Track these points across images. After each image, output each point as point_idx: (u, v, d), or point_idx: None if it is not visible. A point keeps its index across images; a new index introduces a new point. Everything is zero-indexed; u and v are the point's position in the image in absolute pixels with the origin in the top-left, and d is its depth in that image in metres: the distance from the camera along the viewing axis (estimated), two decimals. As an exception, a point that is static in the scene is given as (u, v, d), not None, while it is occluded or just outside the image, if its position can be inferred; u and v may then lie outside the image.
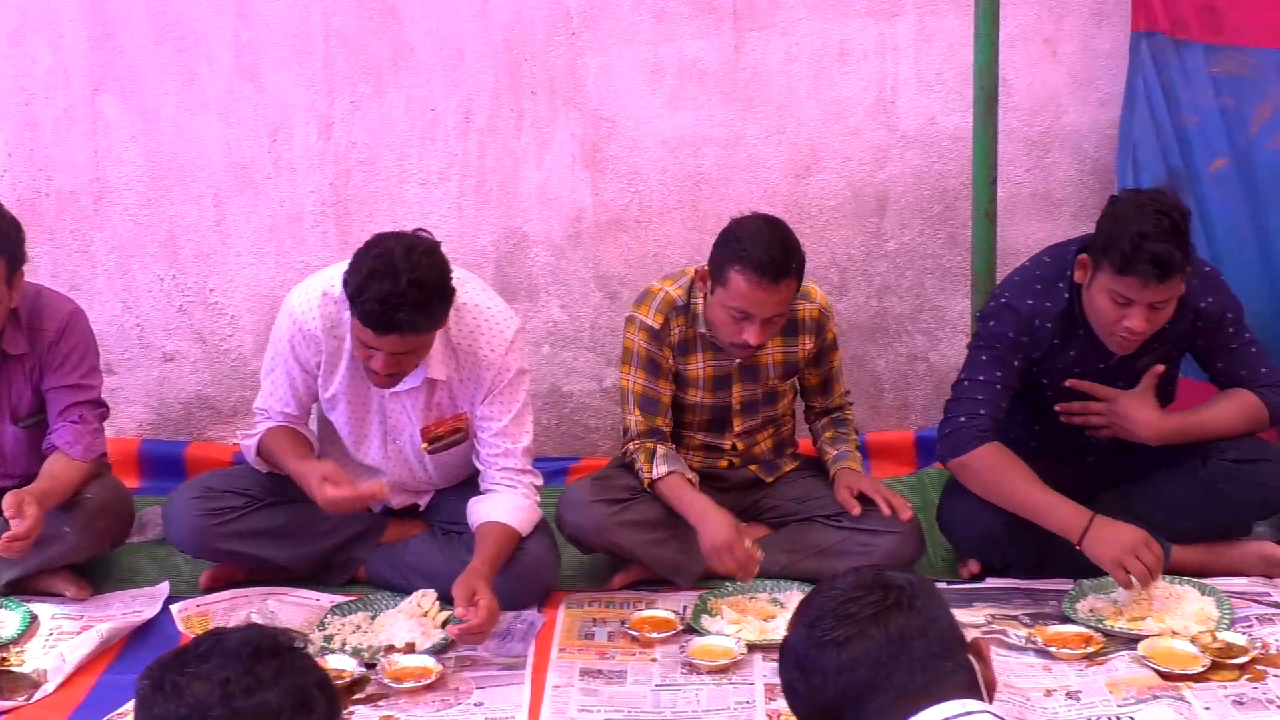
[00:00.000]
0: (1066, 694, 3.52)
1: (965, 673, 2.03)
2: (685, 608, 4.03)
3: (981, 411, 4.04)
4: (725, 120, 5.09)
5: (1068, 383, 4.13)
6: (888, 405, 5.35)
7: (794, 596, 3.99)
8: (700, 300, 4.19)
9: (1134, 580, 3.81)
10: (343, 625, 3.92)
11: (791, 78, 5.06)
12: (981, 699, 2.02)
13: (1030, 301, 4.08)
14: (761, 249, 3.92)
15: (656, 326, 4.20)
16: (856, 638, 2.01)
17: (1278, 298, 4.78)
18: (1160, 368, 4.09)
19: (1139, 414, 4.10)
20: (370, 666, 3.69)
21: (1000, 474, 4.01)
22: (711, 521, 4.02)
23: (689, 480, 4.18)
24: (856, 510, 4.17)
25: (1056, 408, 4.18)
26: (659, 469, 4.16)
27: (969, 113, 4.72)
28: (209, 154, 5.11)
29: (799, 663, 2.07)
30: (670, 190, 5.14)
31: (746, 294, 3.95)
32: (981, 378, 4.09)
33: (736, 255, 3.95)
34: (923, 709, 1.96)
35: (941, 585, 4.15)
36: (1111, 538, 3.85)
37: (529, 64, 5.04)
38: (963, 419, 4.06)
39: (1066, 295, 4.05)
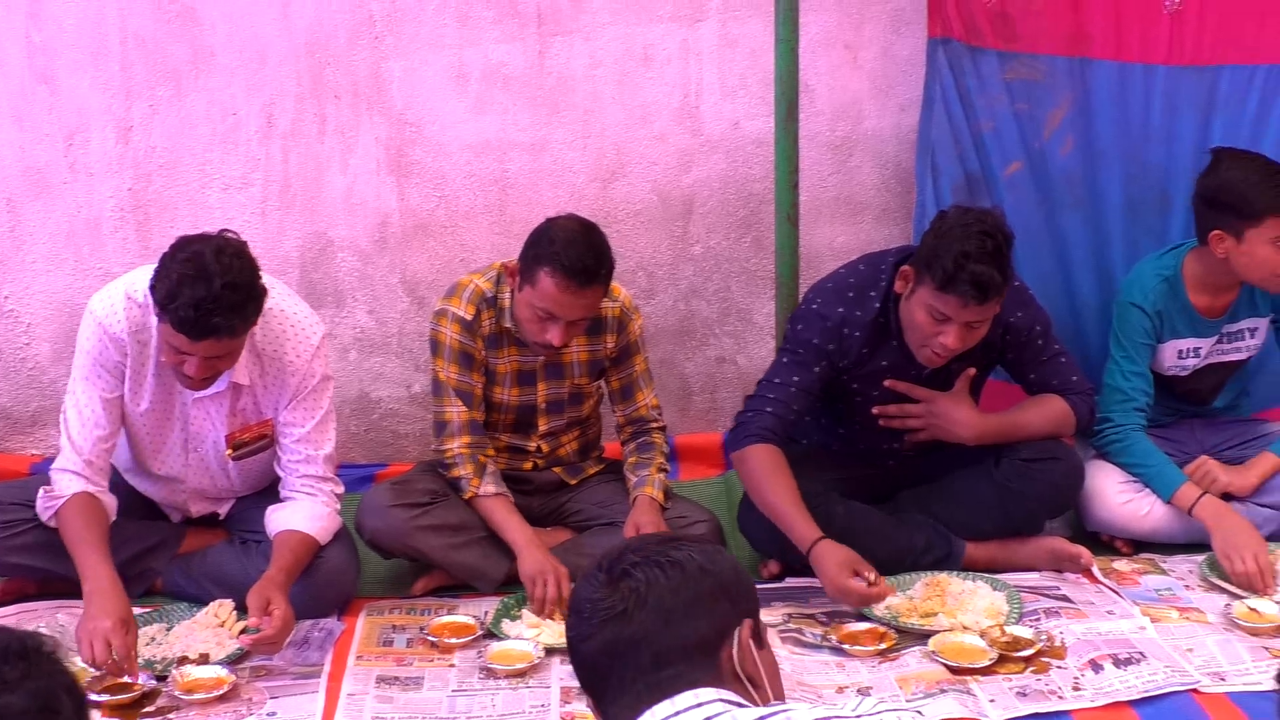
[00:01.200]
0: (858, 690, 3.57)
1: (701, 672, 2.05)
2: (486, 613, 4.02)
3: (768, 410, 4.09)
4: (530, 125, 5.08)
5: (886, 383, 4.19)
6: (696, 408, 5.38)
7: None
8: (507, 295, 4.19)
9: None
10: (138, 638, 3.85)
11: (596, 82, 5.07)
12: (726, 688, 2.03)
13: (841, 309, 4.13)
14: (574, 254, 3.94)
15: (469, 318, 4.18)
16: (592, 637, 2.07)
17: (1072, 298, 4.91)
18: (973, 370, 4.19)
19: (958, 414, 4.20)
20: (162, 679, 3.62)
21: (762, 475, 4.04)
22: (538, 553, 4.05)
23: (513, 504, 4.19)
24: None
25: (874, 410, 4.24)
26: (487, 486, 4.17)
27: (772, 118, 4.75)
28: (1, 158, 4.97)
29: (570, 645, 2.13)
30: (476, 195, 5.12)
31: (554, 296, 3.96)
32: (778, 380, 4.14)
33: (548, 257, 3.95)
34: (658, 702, 1.99)
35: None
36: (828, 558, 3.87)
37: (332, 68, 4.99)
38: (750, 415, 4.12)
39: (878, 305, 4.11)
